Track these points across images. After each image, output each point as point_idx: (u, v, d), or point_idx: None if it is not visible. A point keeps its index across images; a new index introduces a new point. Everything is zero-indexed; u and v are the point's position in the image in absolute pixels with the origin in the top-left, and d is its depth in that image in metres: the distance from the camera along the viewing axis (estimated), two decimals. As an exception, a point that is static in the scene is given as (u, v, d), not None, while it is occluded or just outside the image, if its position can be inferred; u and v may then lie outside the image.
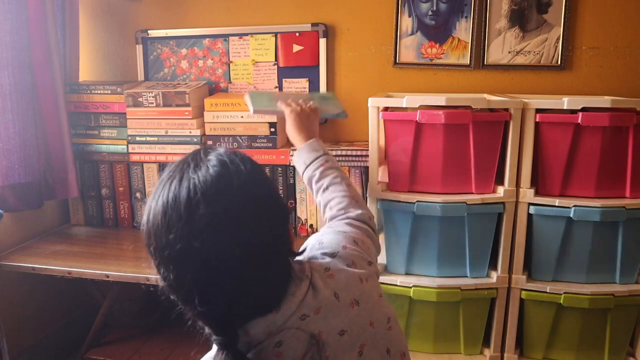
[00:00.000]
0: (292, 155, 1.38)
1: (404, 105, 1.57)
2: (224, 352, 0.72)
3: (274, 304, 0.75)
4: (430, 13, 1.97)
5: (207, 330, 0.76)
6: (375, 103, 1.60)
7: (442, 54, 1.99)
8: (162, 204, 0.72)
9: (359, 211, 1.11)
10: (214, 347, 0.76)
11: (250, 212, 0.74)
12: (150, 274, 1.69)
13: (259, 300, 0.75)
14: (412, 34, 2.00)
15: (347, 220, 1.07)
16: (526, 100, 1.56)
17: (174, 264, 0.70)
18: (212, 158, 0.76)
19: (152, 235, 0.73)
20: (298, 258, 0.86)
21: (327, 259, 0.88)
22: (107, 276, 1.72)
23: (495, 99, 1.62)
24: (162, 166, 2.07)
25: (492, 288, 1.62)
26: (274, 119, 1.94)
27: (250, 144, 1.97)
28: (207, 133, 2.00)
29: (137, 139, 2.05)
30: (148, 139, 2.04)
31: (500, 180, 1.61)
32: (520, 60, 1.94)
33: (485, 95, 1.74)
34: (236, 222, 0.72)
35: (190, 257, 0.70)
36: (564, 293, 1.57)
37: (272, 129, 1.95)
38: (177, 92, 1.99)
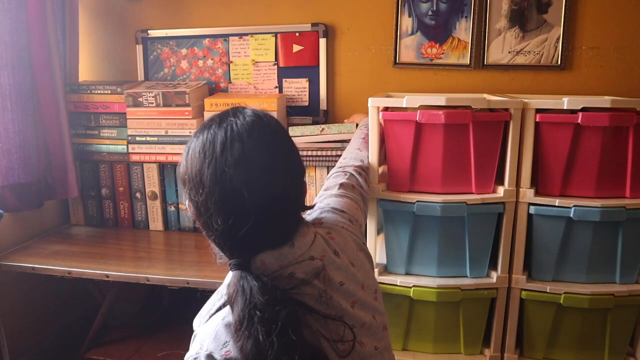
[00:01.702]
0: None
1: (404, 105, 1.57)
2: (240, 272, 0.81)
3: (286, 240, 0.85)
4: (430, 13, 1.97)
5: (222, 254, 0.86)
6: (375, 103, 1.59)
7: (442, 54, 1.99)
8: (202, 140, 0.84)
9: (344, 180, 1.23)
10: (228, 275, 0.85)
11: (278, 155, 0.86)
12: (150, 274, 1.69)
13: (273, 234, 0.84)
14: (412, 34, 2.00)
15: (340, 191, 1.17)
16: (526, 100, 1.56)
17: (204, 186, 0.81)
18: (248, 110, 0.88)
19: (189, 164, 0.84)
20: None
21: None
22: (107, 276, 1.72)
23: (495, 99, 1.62)
24: (162, 166, 2.07)
25: (492, 288, 1.62)
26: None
27: (250, 144, 1.97)
28: (207, 133, 2.00)
29: (137, 139, 2.05)
30: (148, 139, 2.04)
31: (500, 180, 1.61)
32: (520, 60, 1.94)
33: (485, 95, 1.74)
34: (265, 161, 0.83)
35: (220, 182, 0.80)
36: (564, 293, 1.57)
37: (272, 129, 1.95)
38: (177, 92, 1.99)
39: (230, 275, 0.84)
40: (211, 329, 0.80)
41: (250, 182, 0.81)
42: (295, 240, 0.86)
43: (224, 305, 0.83)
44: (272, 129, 0.87)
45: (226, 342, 0.78)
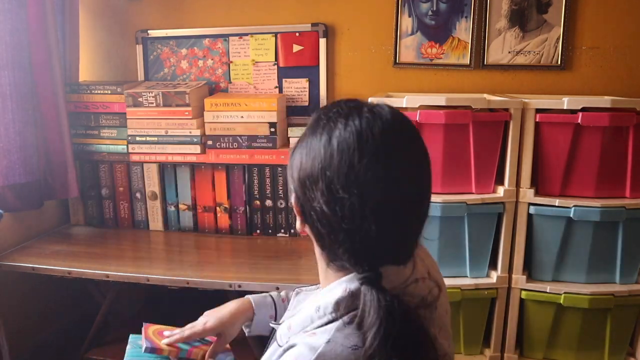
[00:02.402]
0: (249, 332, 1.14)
1: (404, 105, 1.57)
2: (368, 287, 0.70)
3: (406, 259, 0.76)
4: (430, 13, 1.97)
5: (344, 265, 0.74)
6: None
7: (442, 54, 1.99)
8: (354, 129, 0.71)
9: None
10: (334, 289, 0.74)
11: (428, 155, 0.78)
12: (150, 274, 1.69)
13: (404, 247, 0.76)
14: (412, 34, 2.00)
15: None
16: (526, 100, 1.56)
17: (361, 187, 0.69)
18: (385, 106, 0.77)
19: (335, 157, 0.70)
20: None
21: None
22: (107, 276, 1.72)
23: (495, 99, 1.62)
24: (162, 166, 2.07)
25: (492, 288, 1.62)
26: (273, 118, 1.94)
27: (250, 144, 1.97)
28: (207, 133, 2.00)
29: (137, 139, 2.05)
30: (148, 139, 2.04)
31: (500, 180, 1.61)
32: (520, 60, 1.94)
33: (485, 95, 1.74)
34: (425, 159, 0.76)
35: (382, 183, 0.70)
36: (564, 293, 1.57)
37: (272, 129, 1.95)
38: (177, 92, 1.99)
39: (340, 291, 0.73)
40: (313, 346, 0.69)
41: (415, 183, 0.73)
42: (407, 262, 0.76)
43: (327, 323, 0.72)
44: (414, 125, 0.78)
45: None
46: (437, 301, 0.79)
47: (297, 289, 1.03)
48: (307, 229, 0.78)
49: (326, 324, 0.72)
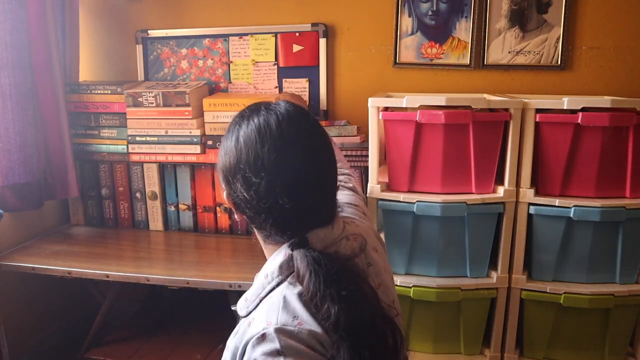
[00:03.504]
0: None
1: (404, 105, 1.57)
2: (304, 250, 0.83)
3: (328, 221, 0.90)
4: (430, 13, 1.97)
5: (272, 239, 0.89)
6: (375, 103, 1.60)
7: (442, 54, 1.99)
8: (253, 126, 0.86)
9: (350, 184, 1.25)
10: (274, 259, 0.87)
11: (325, 136, 0.92)
12: (150, 274, 1.69)
13: (324, 212, 0.90)
14: (412, 34, 2.00)
15: (346, 191, 1.20)
16: (526, 100, 1.56)
17: (265, 168, 0.83)
18: (281, 102, 0.92)
19: (243, 151, 0.85)
20: None
21: None
22: (107, 276, 1.72)
23: (495, 99, 1.62)
24: (162, 166, 2.07)
25: (492, 288, 1.62)
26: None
27: (250, 144, 1.97)
28: (207, 133, 2.00)
29: (137, 139, 2.05)
30: (148, 139, 2.04)
31: (500, 180, 1.61)
32: (520, 60, 1.94)
33: (485, 95, 1.74)
34: (320, 140, 0.90)
35: (284, 161, 0.84)
36: (564, 293, 1.57)
37: (272, 129, 1.94)
38: (177, 92, 1.99)
39: (280, 257, 0.86)
40: (275, 305, 0.81)
41: (312, 160, 0.86)
42: (334, 223, 0.90)
43: (277, 285, 0.85)
44: (311, 114, 0.93)
45: (296, 315, 0.79)
46: (365, 251, 0.93)
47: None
48: (242, 217, 0.91)
49: (275, 287, 0.85)
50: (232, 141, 0.88)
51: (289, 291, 0.82)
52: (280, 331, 0.76)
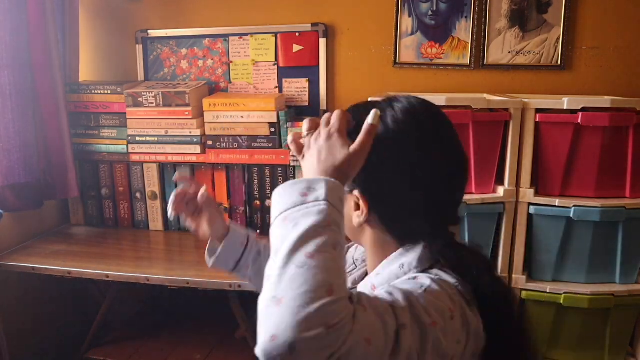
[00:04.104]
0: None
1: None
2: (439, 240, 0.79)
3: (459, 221, 0.86)
4: (430, 13, 1.97)
5: (419, 234, 0.81)
6: (375, 103, 1.59)
7: (442, 54, 1.99)
8: (401, 111, 0.80)
9: None
10: (415, 248, 0.80)
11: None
12: (150, 274, 1.69)
13: (457, 210, 0.85)
14: (412, 34, 2.00)
15: None
16: (526, 100, 1.56)
17: (429, 151, 0.79)
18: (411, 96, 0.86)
19: (399, 136, 0.78)
20: None
21: None
22: (107, 276, 1.71)
23: (495, 99, 1.62)
24: (162, 166, 2.07)
25: (492, 288, 1.62)
26: (273, 118, 1.94)
27: (250, 144, 1.97)
28: (207, 133, 2.00)
29: (137, 139, 2.05)
30: (148, 139, 2.04)
31: (500, 180, 1.61)
32: (520, 60, 1.94)
33: (485, 95, 1.74)
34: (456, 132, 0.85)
35: (441, 147, 0.80)
36: (564, 293, 1.57)
37: (272, 129, 1.95)
38: (177, 92, 1.99)
39: (419, 249, 0.80)
40: (421, 277, 0.76)
41: (462, 152, 0.83)
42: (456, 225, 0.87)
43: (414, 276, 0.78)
44: None
45: (444, 284, 0.75)
46: None
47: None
48: (372, 219, 0.81)
49: (412, 277, 0.77)
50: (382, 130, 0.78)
51: (434, 275, 0.77)
52: (440, 282, 0.74)
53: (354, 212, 0.81)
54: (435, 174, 0.78)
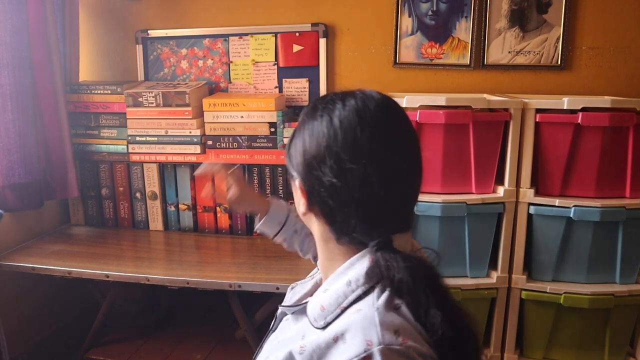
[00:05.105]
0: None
1: (404, 105, 1.57)
2: (385, 251, 0.76)
3: (409, 227, 0.82)
4: (430, 13, 1.97)
5: (358, 238, 0.79)
6: (375, 103, 1.59)
7: (442, 54, 1.99)
8: (352, 109, 0.79)
9: None
10: (358, 264, 0.78)
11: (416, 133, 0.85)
12: (150, 274, 1.69)
13: (407, 214, 0.82)
14: (412, 34, 2.00)
15: None
16: (526, 100, 1.56)
17: (366, 156, 0.76)
18: (373, 91, 0.84)
19: (339, 134, 0.77)
20: None
21: None
22: (107, 276, 1.72)
23: (495, 99, 1.62)
24: (162, 166, 2.07)
25: (492, 288, 1.62)
26: (273, 118, 1.94)
27: (250, 144, 1.97)
28: (207, 133, 2.00)
29: (137, 139, 2.05)
30: (148, 139, 2.04)
31: (500, 180, 1.61)
32: (520, 60, 1.94)
33: (485, 95, 1.74)
34: (414, 132, 0.83)
35: (383, 150, 0.77)
36: (564, 293, 1.57)
37: (272, 129, 1.95)
38: (177, 92, 1.99)
39: (366, 262, 0.76)
40: (369, 320, 0.71)
41: (413, 149, 0.80)
42: (411, 231, 0.83)
43: (364, 294, 0.75)
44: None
45: (397, 330, 0.70)
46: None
47: (291, 285, 1.04)
48: (314, 211, 0.81)
49: (362, 295, 0.75)
50: (324, 122, 0.79)
51: (382, 302, 0.73)
52: (386, 353, 0.68)
53: (300, 200, 0.83)
54: (369, 174, 0.76)
